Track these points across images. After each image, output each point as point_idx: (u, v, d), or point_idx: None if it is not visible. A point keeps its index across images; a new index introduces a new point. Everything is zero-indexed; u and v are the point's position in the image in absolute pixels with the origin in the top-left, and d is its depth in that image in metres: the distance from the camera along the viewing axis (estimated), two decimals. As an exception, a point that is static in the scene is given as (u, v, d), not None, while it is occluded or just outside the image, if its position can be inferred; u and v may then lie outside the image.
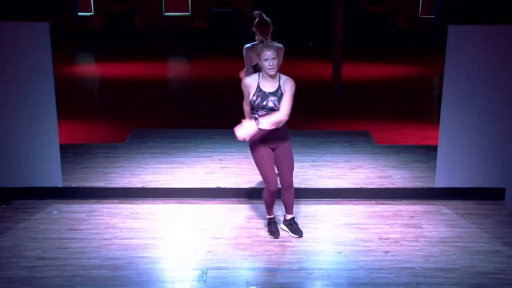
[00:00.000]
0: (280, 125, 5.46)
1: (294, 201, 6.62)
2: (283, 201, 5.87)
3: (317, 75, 14.10)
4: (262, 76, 5.36)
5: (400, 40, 18.66)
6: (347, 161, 7.65)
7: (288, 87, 5.32)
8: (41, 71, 6.41)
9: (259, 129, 5.33)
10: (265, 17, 6.33)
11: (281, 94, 5.32)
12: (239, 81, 5.66)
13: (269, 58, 5.22)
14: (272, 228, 5.87)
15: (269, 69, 5.24)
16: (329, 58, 13.26)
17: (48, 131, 6.57)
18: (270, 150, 5.57)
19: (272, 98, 5.32)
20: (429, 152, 7.78)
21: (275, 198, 5.76)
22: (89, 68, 15.88)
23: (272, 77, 5.32)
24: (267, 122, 5.34)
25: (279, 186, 5.73)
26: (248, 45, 6.50)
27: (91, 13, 19.28)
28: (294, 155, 7.76)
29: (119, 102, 11.75)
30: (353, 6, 18.41)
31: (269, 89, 5.33)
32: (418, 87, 13.33)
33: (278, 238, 5.79)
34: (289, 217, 5.91)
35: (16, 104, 6.47)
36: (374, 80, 13.87)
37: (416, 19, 19.30)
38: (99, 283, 5.04)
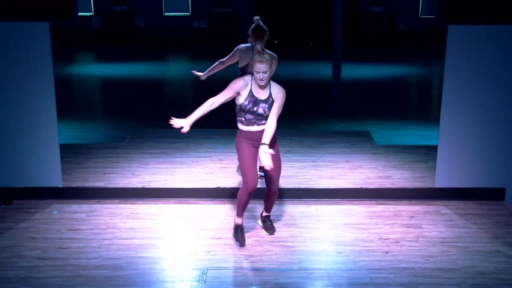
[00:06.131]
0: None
1: (294, 201, 6.65)
2: (265, 201, 5.85)
3: (317, 75, 14.11)
4: (254, 82, 5.36)
5: (400, 40, 18.68)
6: (347, 161, 7.65)
7: (279, 96, 5.34)
8: (41, 71, 6.41)
9: (267, 149, 5.20)
10: (261, 23, 6.34)
11: (272, 102, 5.34)
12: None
13: (261, 71, 5.23)
14: (239, 235, 5.73)
15: (260, 80, 5.26)
16: (329, 58, 13.28)
17: (48, 131, 6.57)
18: (256, 149, 5.48)
19: (263, 105, 5.33)
20: (429, 152, 7.78)
21: (249, 199, 5.62)
22: (89, 68, 15.88)
23: (262, 87, 5.34)
24: (269, 139, 5.27)
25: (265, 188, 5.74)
26: (242, 46, 6.52)
27: (91, 13, 19.29)
28: (294, 155, 7.84)
29: (119, 102, 11.75)
30: (353, 6, 18.42)
31: (261, 96, 5.34)
32: (418, 87, 13.34)
33: (243, 246, 5.67)
34: (265, 214, 5.98)
35: (16, 104, 6.47)
36: (374, 80, 13.87)
37: (416, 19, 19.31)
38: (99, 283, 5.04)
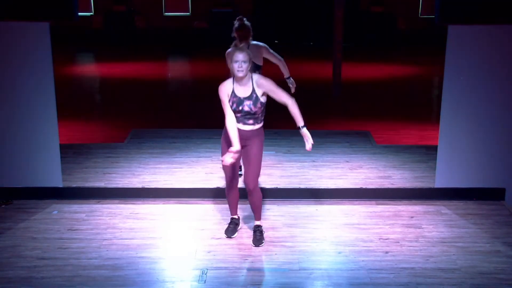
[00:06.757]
0: (257, 126, 5.46)
1: (294, 201, 6.63)
2: (250, 206, 5.80)
3: (317, 75, 14.10)
4: (236, 81, 5.35)
5: (400, 40, 18.66)
6: (347, 161, 7.65)
7: (264, 84, 5.31)
8: (41, 71, 6.41)
9: (305, 130, 5.37)
10: (245, 21, 6.30)
11: (256, 97, 5.31)
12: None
13: (239, 60, 5.21)
14: (230, 227, 5.86)
15: (237, 70, 5.23)
16: (329, 58, 13.28)
17: (48, 131, 6.57)
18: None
19: (248, 102, 5.32)
20: (429, 152, 7.78)
21: (234, 194, 5.78)
22: (89, 68, 15.88)
23: (242, 79, 5.29)
24: (300, 118, 5.36)
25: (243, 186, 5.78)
26: (229, 50, 6.49)
27: (91, 13, 19.28)
28: (294, 155, 7.85)
29: (119, 102, 11.74)
30: (353, 6, 18.41)
31: (243, 94, 5.32)
32: (418, 87, 13.34)
33: (230, 238, 5.79)
34: (255, 223, 5.82)
35: (16, 104, 6.47)
36: (374, 80, 13.87)
37: (416, 19, 19.30)
38: (99, 283, 5.04)
